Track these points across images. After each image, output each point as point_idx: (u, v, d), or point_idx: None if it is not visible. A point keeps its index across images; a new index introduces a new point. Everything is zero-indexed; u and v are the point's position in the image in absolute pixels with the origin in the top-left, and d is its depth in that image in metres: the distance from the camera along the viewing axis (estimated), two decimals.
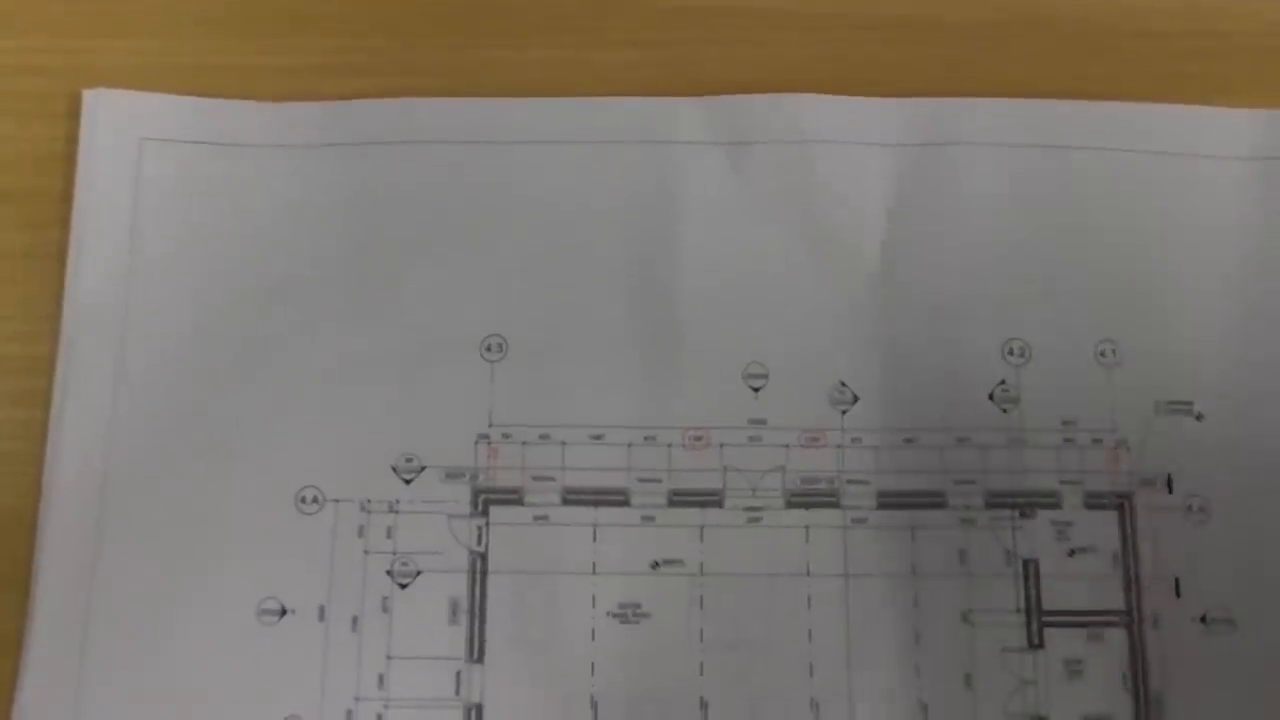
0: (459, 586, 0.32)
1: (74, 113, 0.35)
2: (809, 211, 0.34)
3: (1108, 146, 0.34)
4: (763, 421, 0.33)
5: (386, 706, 0.31)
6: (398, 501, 0.32)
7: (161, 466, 0.32)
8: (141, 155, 0.34)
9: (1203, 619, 0.32)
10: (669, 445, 0.33)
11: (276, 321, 0.33)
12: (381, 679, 0.31)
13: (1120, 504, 0.32)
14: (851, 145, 0.34)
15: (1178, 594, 0.32)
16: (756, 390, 0.33)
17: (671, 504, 0.32)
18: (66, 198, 0.34)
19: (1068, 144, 0.34)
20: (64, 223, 0.34)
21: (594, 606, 0.32)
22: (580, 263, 0.34)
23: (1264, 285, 0.33)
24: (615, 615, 0.32)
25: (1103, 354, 0.33)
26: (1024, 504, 0.32)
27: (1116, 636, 0.32)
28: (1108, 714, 0.31)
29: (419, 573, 0.32)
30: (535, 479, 0.33)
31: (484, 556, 0.32)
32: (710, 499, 0.32)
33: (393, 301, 0.34)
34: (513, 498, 0.32)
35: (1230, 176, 0.34)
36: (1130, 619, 0.32)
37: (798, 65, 0.35)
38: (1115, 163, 0.34)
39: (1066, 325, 0.33)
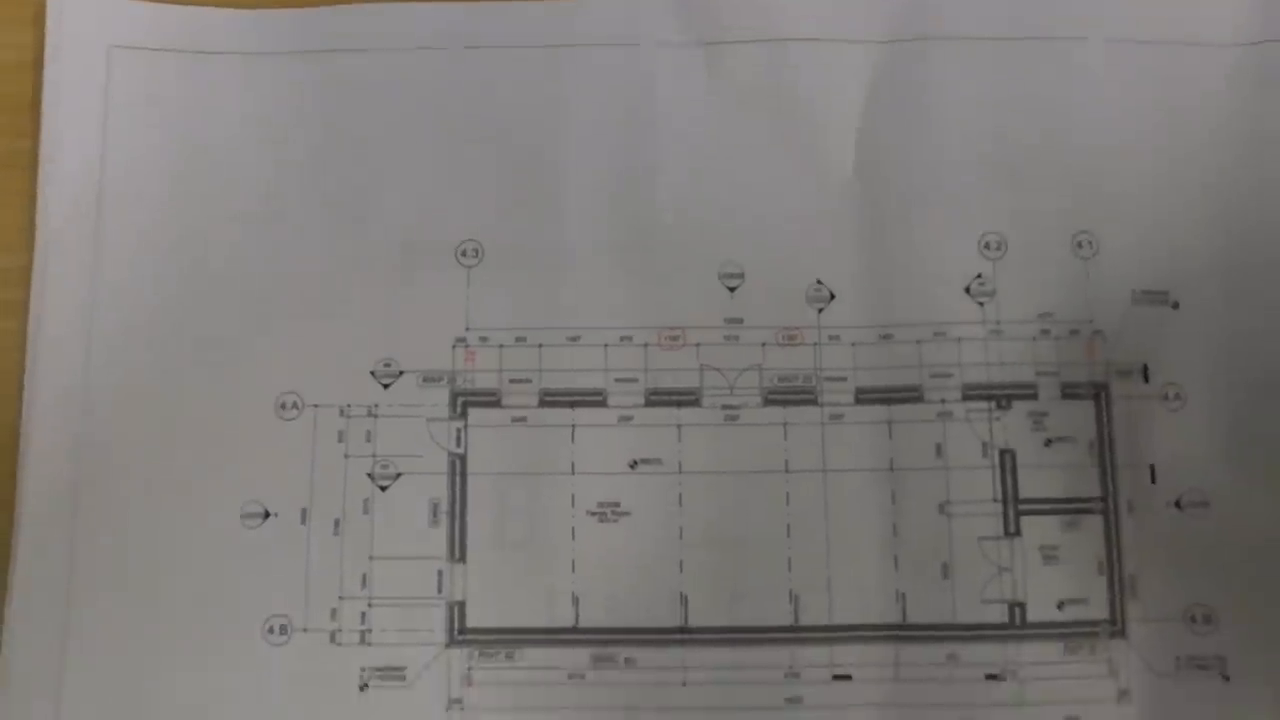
0: (439, 488, 0.32)
1: (40, 20, 0.34)
2: (785, 111, 0.34)
3: (1084, 36, 0.34)
4: (739, 321, 0.33)
5: (370, 605, 0.32)
6: (376, 406, 0.33)
7: (141, 376, 0.33)
8: (110, 62, 0.34)
9: (1177, 503, 0.32)
10: (645, 345, 0.33)
11: (252, 229, 0.33)
12: (364, 579, 0.32)
13: (1097, 394, 0.32)
14: (827, 43, 0.34)
15: (1153, 480, 0.32)
16: (733, 290, 0.33)
17: (649, 403, 0.33)
18: (37, 107, 0.34)
19: (1045, 35, 0.34)
20: (35, 133, 0.34)
21: (573, 506, 0.32)
22: (556, 167, 0.34)
23: (1241, 175, 0.33)
24: (594, 514, 0.32)
25: (1079, 245, 0.33)
26: (1001, 396, 0.32)
27: (1092, 523, 0.32)
28: (1083, 598, 0.31)
29: (399, 475, 0.32)
30: (513, 381, 0.33)
31: (463, 458, 0.32)
32: (687, 398, 0.33)
33: (369, 209, 0.33)
34: (491, 400, 0.33)
35: (1210, 65, 0.34)
36: (1106, 505, 0.32)
37: None
38: (1092, 52, 0.34)
39: (1043, 218, 0.33)
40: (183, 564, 0.32)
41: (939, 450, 0.32)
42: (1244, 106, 0.34)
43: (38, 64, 0.34)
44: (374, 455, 0.32)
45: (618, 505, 0.32)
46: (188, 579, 0.32)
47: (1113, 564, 0.32)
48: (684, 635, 0.31)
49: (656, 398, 0.32)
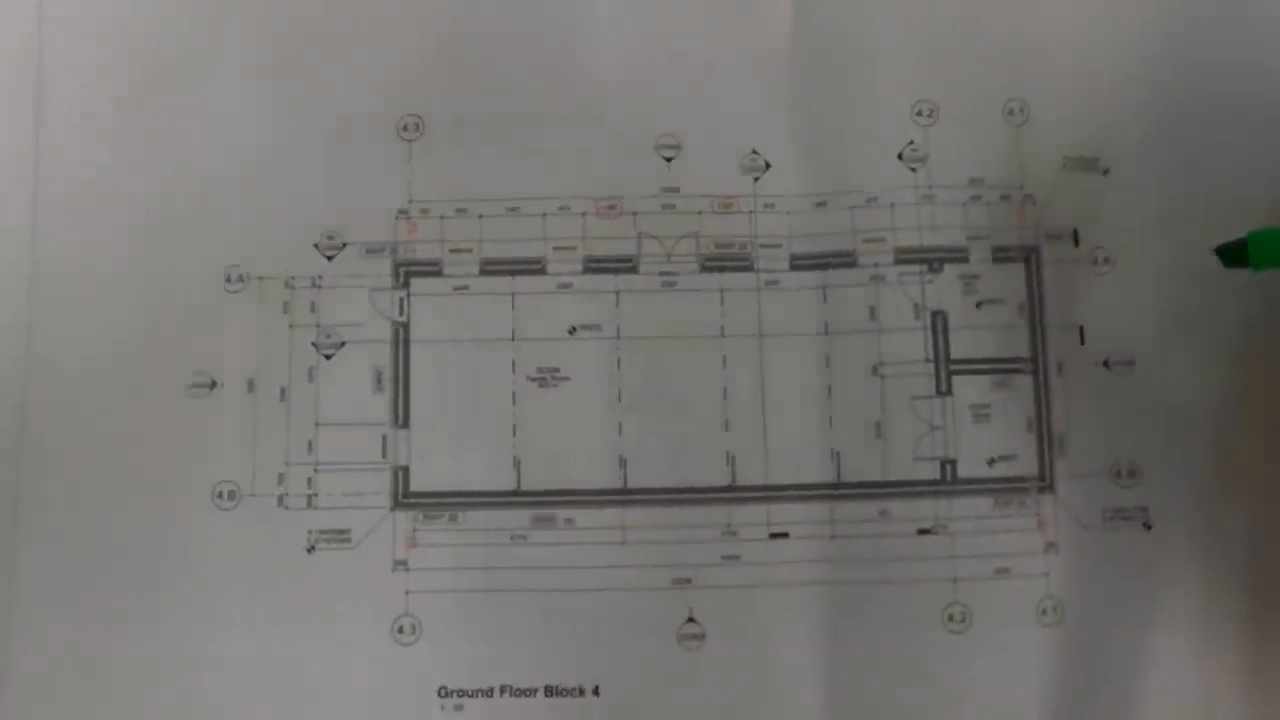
0: (383, 356, 0.33)
1: None
2: None
3: None
4: (676, 189, 0.33)
5: (316, 470, 0.32)
6: (320, 277, 0.33)
7: (84, 249, 0.33)
8: None
9: (1105, 363, 0.32)
10: (583, 215, 0.33)
11: (189, 102, 0.34)
12: (310, 445, 0.32)
13: (1027, 257, 0.33)
14: None
15: (1082, 341, 0.33)
16: (669, 160, 0.34)
17: (587, 270, 0.33)
18: None
19: None
20: None
21: (514, 372, 0.33)
22: (492, 41, 0.34)
23: (1170, 45, 0.34)
24: (534, 380, 0.33)
25: (1010, 113, 0.33)
26: (933, 259, 0.33)
27: (1022, 382, 0.32)
28: (1012, 454, 0.32)
29: (343, 344, 0.33)
30: (454, 251, 0.33)
31: (406, 326, 0.33)
32: (625, 265, 0.33)
33: (308, 83, 0.34)
34: (433, 269, 0.33)
35: None
36: (1035, 365, 0.33)
37: None
38: None
39: (974, 86, 0.34)
40: (132, 434, 0.32)
41: (872, 313, 0.33)
42: None
43: None
44: (318, 325, 0.33)
45: (557, 371, 0.33)
46: (138, 449, 0.32)
47: (1042, 422, 0.32)
48: (623, 496, 0.32)
49: (594, 265, 0.33)
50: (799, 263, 0.33)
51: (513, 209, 0.33)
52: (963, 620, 0.32)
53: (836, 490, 0.32)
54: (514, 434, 0.32)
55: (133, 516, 0.32)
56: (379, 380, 0.33)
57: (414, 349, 0.33)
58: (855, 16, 0.34)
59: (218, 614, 0.32)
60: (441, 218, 0.33)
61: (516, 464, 0.32)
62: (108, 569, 0.32)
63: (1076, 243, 0.33)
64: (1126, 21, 0.34)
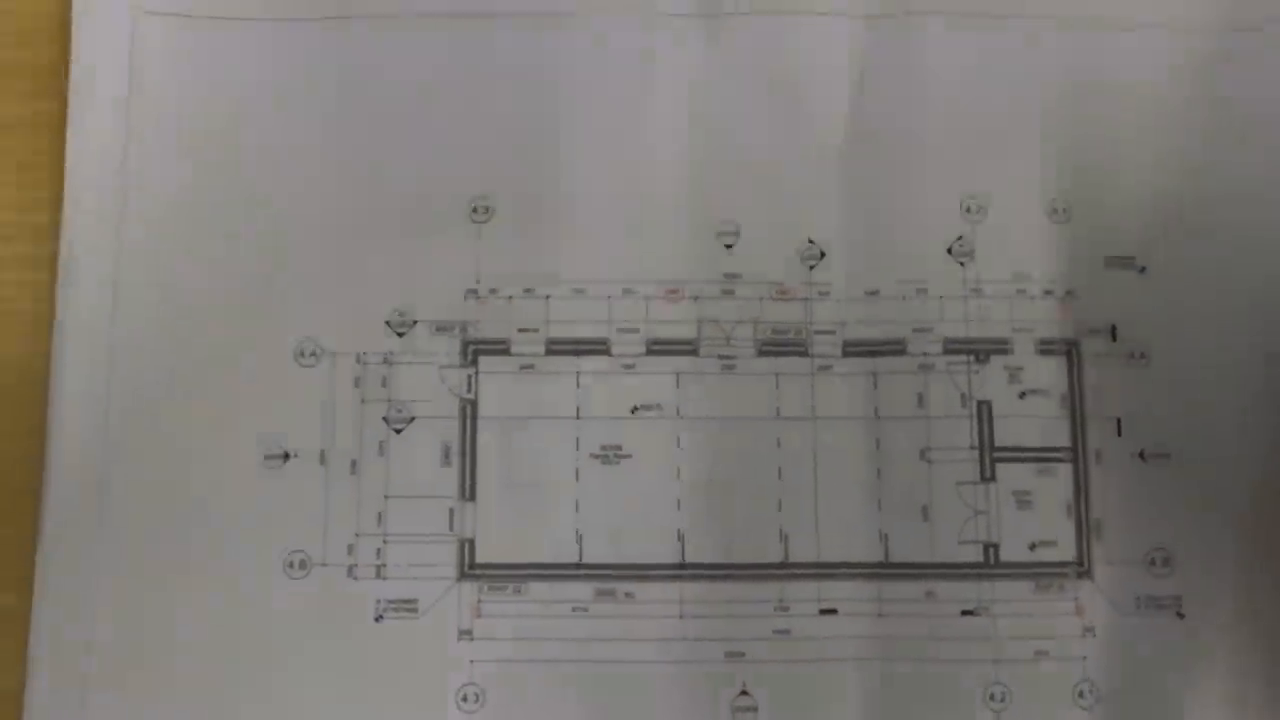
0: (451, 431, 0.34)
1: None
2: (780, 80, 0.36)
3: (1064, 15, 0.36)
4: (736, 276, 0.35)
5: (385, 542, 0.33)
6: (391, 353, 0.34)
7: (166, 325, 0.34)
8: (135, 26, 0.36)
9: (1140, 455, 0.34)
10: (647, 298, 0.35)
11: (272, 186, 0.35)
12: (380, 516, 0.34)
13: (1068, 351, 0.35)
14: (820, 16, 0.36)
15: (1119, 433, 0.34)
16: (729, 247, 0.35)
17: (649, 352, 0.34)
18: (62, 68, 0.35)
19: (1026, 14, 0.36)
20: (61, 94, 0.35)
21: (577, 449, 0.34)
22: (563, 130, 0.35)
23: (1205, 151, 0.35)
24: (597, 456, 0.34)
25: (1054, 211, 0.35)
26: (979, 350, 0.35)
27: (1062, 471, 0.34)
28: (1052, 540, 0.34)
29: (413, 419, 0.34)
30: (521, 331, 0.34)
31: (474, 403, 0.34)
32: (686, 348, 0.35)
33: (384, 166, 0.35)
34: (500, 348, 0.34)
35: (1179, 50, 0.36)
36: (1075, 455, 0.34)
37: None
38: (1071, 34, 0.36)
39: (1021, 184, 0.35)
40: (208, 503, 0.33)
41: (921, 400, 0.34)
42: (1210, 87, 0.36)
43: (63, 28, 0.36)
44: (389, 400, 0.34)
45: (619, 448, 0.34)
46: (212, 517, 0.33)
47: (1080, 509, 0.34)
48: (681, 571, 0.34)
49: (657, 347, 0.34)
50: (851, 349, 0.35)
51: (578, 291, 0.35)
52: (1003, 700, 0.33)
53: (884, 570, 0.34)
54: (576, 509, 0.34)
55: (205, 583, 0.33)
56: (447, 455, 0.34)
57: (481, 425, 0.34)
58: (906, 116, 0.35)
59: (287, 681, 0.33)
60: (510, 298, 0.35)
61: (579, 538, 0.34)
62: (180, 636, 0.33)
63: (1115, 338, 0.35)
64: (1163, 130, 0.35)
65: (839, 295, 0.35)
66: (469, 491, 0.34)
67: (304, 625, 0.33)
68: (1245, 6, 0.36)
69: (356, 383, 0.34)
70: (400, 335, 0.34)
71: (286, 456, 0.34)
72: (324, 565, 0.33)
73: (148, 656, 0.33)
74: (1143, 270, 0.35)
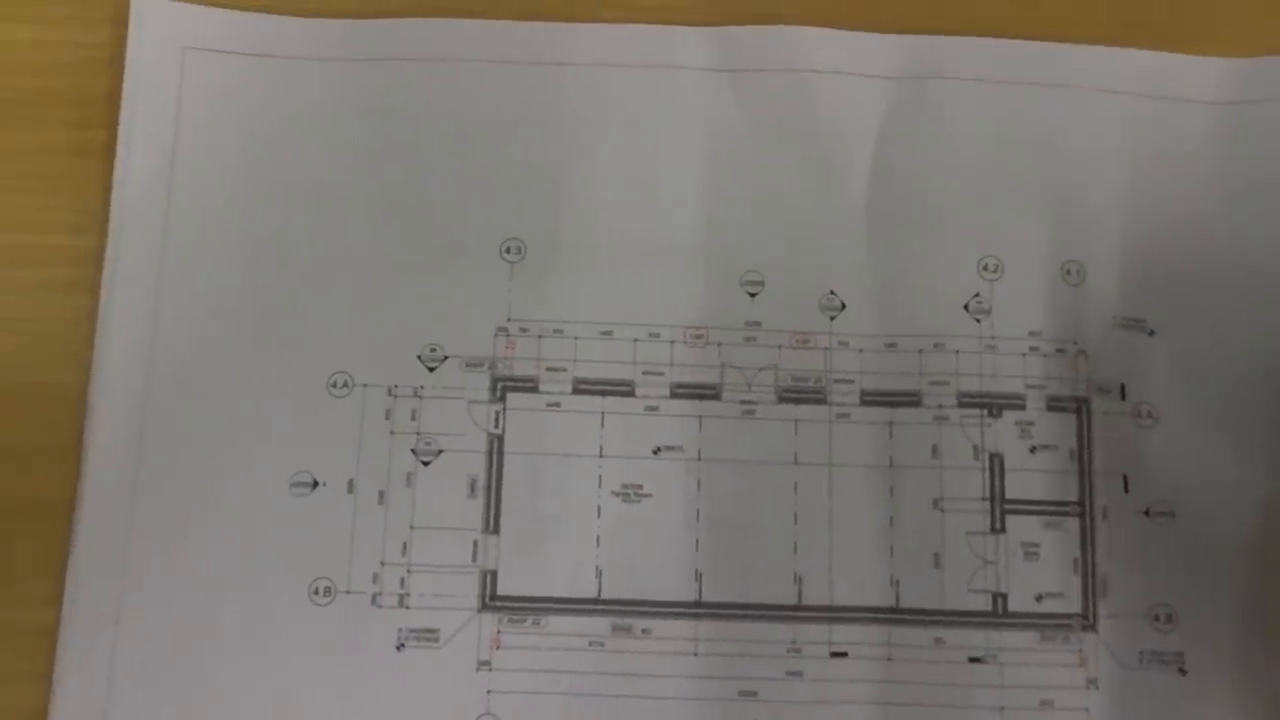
0: (477, 465, 0.35)
1: (122, 20, 0.37)
2: (805, 136, 0.37)
3: (1081, 86, 0.37)
4: (758, 324, 0.36)
5: (409, 571, 0.34)
6: (422, 387, 0.35)
7: (203, 353, 0.35)
8: (184, 62, 0.37)
9: (1146, 512, 0.35)
10: (672, 343, 0.36)
11: (309, 220, 0.36)
12: (405, 546, 0.34)
13: (1078, 408, 0.36)
14: (846, 76, 0.37)
15: (1126, 489, 0.35)
16: (753, 295, 0.36)
17: (673, 395, 0.35)
18: (112, 100, 0.37)
19: (1045, 82, 0.37)
20: (110, 124, 0.37)
21: (600, 486, 0.35)
22: (593, 174, 0.37)
23: (1214, 219, 0.37)
24: (619, 494, 0.35)
25: (1068, 273, 0.36)
26: (992, 404, 0.36)
27: (1070, 525, 0.35)
28: (1059, 592, 0.35)
29: (440, 452, 0.35)
30: (549, 369, 0.35)
31: (501, 438, 0.35)
32: (709, 392, 0.36)
33: (418, 205, 0.36)
34: (528, 386, 0.35)
35: (1191, 119, 0.37)
36: (1083, 509, 0.35)
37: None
38: (1087, 101, 0.37)
39: (1036, 246, 0.36)
40: (236, 528, 0.34)
41: (935, 451, 0.35)
42: (1220, 158, 0.37)
43: (113, 61, 0.37)
44: (418, 433, 0.35)
45: (641, 487, 0.35)
46: (241, 542, 0.34)
47: (1087, 563, 0.35)
48: (697, 609, 0.34)
49: (680, 391, 0.35)
50: (869, 399, 0.36)
51: (606, 332, 0.36)
52: None
53: (895, 615, 0.34)
54: (597, 545, 0.35)
55: (231, 606, 0.34)
56: (473, 488, 0.35)
57: (507, 460, 0.35)
58: (926, 177, 0.37)
59: (308, 706, 0.33)
60: (539, 337, 0.36)
61: (599, 573, 0.34)
62: (203, 658, 0.33)
63: (1124, 396, 0.36)
64: (1174, 198, 0.37)
65: (858, 346, 0.36)
66: (493, 524, 0.35)
67: (326, 652, 0.34)
68: (1255, 80, 0.37)
69: (387, 415, 0.35)
70: (431, 370, 0.35)
71: (315, 484, 0.35)
72: (348, 593, 0.34)
73: (172, 677, 0.33)
74: (1151, 333, 0.36)
